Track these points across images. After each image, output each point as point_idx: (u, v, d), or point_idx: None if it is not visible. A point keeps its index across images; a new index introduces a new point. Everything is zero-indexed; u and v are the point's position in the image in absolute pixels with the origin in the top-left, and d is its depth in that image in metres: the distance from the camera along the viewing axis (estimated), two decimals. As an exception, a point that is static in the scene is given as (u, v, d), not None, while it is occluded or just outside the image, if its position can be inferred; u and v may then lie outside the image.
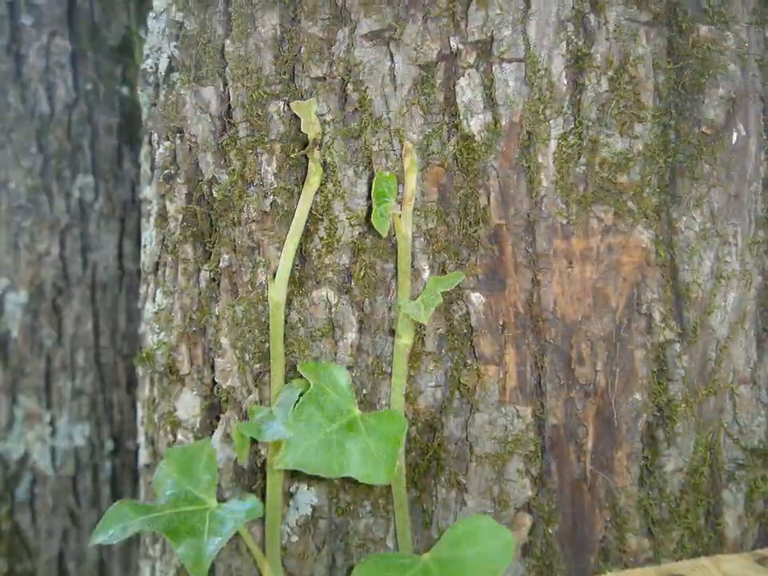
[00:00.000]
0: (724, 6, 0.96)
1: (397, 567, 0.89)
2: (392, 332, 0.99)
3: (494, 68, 0.95)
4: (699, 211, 0.97)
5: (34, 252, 2.09)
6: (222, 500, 0.99)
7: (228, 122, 1.03)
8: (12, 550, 2.11)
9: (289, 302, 1.01)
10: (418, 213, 0.97)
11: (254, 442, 1.04)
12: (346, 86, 0.97)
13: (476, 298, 0.97)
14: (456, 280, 0.93)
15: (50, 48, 2.08)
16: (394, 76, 0.96)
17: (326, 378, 0.91)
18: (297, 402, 0.90)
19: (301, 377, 0.99)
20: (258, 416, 0.94)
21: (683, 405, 0.97)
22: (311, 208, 0.98)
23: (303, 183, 0.97)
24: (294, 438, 0.86)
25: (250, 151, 1.02)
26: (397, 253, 0.96)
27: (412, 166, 0.94)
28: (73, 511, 2.16)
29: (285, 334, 1.00)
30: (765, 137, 0.99)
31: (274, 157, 1.01)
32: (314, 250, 1.00)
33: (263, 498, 1.02)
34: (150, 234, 1.19)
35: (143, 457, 1.23)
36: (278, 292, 0.98)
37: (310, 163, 0.95)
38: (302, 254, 1.01)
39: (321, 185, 0.98)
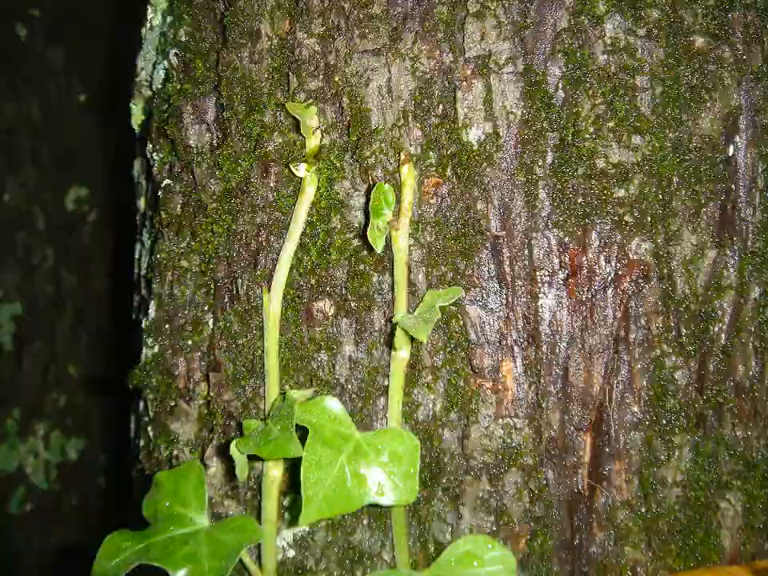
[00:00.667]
0: (721, 19, 0.97)
1: None
2: (389, 344, 0.99)
3: (491, 80, 0.95)
4: (696, 223, 0.97)
5: (28, 264, 2.09)
6: (216, 515, 0.98)
7: (223, 132, 1.03)
8: (4, 563, 2.10)
9: (285, 315, 1.00)
10: (416, 225, 0.97)
11: (249, 456, 1.04)
12: (342, 97, 0.97)
13: (473, 310, 0.97)
14: (454, 295, 0.93)
15: (45, 57, 2.09)
16: (391, 88, 0.96)
17: (321, 412, 0.90)
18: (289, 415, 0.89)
19: (299, 389, 0.99)
20: (252, 430, 0.93)
21: (681, 417, 0.97)
22: (307, 220, 0.98)
23: (299, 194, 0.97)
24: (311, 489, 0.85)
25: (246, 162, 1.01)
26: (393, 265, 0.96)
27: (409, 177, 0.94)
28: (66, 525, 2.15)
29: (280, 347, 1.00)
30: (761, 149, 0.99)
31: (270, 170, 1.01)
32: (309, 263, 1.00)
33: (258, 511, 1.02)
34: (144, 246, 1.19)
35: (137, 471, 1.22)
36: (273, 304, 0.97)
37: (305, 173, 0.95)
38: (298, 267, 1.00)
39: (317, 197, 0.98)
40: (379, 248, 0.93)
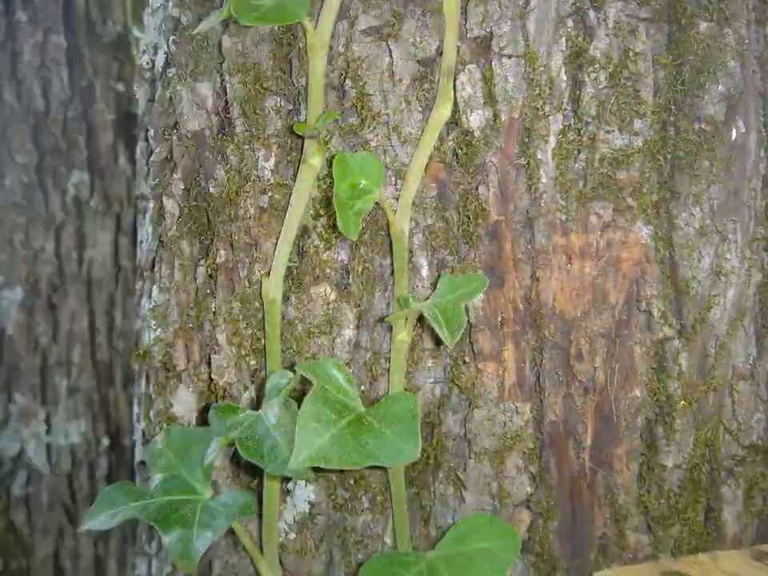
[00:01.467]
0: (724, 2, 0.96)
1: (402, 564, 0.89)
2: (390, 328, 0.99)
3: (493, 64, 0.94)
4: (699, 208, 0.97)
5: (30, 249, 2.09)
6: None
7: (225, 117, 1.03)
8: (7, 547, 2.10)
9: (286, 298, 1.01)
10: (417, 208, 0.97)
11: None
12: (344, 81, 0.97)
13: (475, 294, 0.97)
14: (479, 287, 0.90)
15: (45, 45, 2.08)
16: (393, 71, 0.96)
17: (325, 376, 0.88)
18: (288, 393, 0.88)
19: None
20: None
21: (682, 401, 0.97)
22: (308, 203, 0.98)
23: (301, 169, 0.97)
24: (306, 437, 0.82)
25: (247, 147, 1.01)
26: (393, 248, 0.96)
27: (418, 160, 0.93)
28: (68, 509, 2.16)
29: (282, 331, 1.00)
30: (764, 133, 0.99)
31: (271, 153, 1.01)
32: (311, 246, 1.00)
33: (260, 495, 1.02)
34: (146, 231, 1.19)
35: (139, 454, 1.23)
36: (273, 288, 0.97)
37: (307, 143, 0.94)
38: (299, 250, 1.00)
39: (318, 179, 0.98)
40: (354, 236, 0.88)
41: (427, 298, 0.92)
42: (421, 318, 0.98)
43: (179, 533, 0.86)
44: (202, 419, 1.08)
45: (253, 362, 1.03)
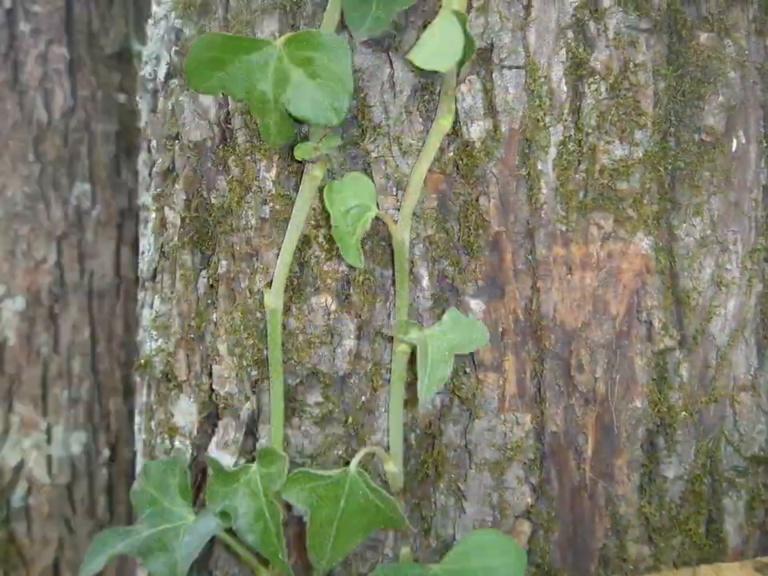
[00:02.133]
0: (724, 13, 0.96)
1: None
2: (391, 339, 0.99)
3: (493, 75, 0.95)
4: (699, 218, 0.97)
5: (31, 259, 2.09)
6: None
7: (227, 128, 1.03)
8: (7, 558, 2.10)
9: (287, 309, 1.01)
10: (417, 219, 0.97)
11: (252, 450, 1.04)
12: (345, 92, 0.97)
13: (475, 304, 0.97)
14: (479, 339, 0.92)
15: (47, 56, 2.08)
16: (394, 83, 0.96)
17: None
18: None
19: (301, 384, 1.00)
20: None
21: (683, 412, 0.97)
22: (309, 213, 0.98)
23: (303, 181, 0.97)
24: None
25: (249, 158, 1.01)
26: (394, 259, 0.96)
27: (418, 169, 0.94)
28: (68, 519, 2.15)
29: (283, 341, 1.00)
30: (765, 144, 0.99)
31: (272, 163, 1.01)
32: (312, 257, 1.00)
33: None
34: (148, 241, 1.19)
35: (140, 464, 1.23)
36: (274, 298, 0.97)
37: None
38: (300, 261, 1.00)
39: (319, 191, 0.98)
40: (362, 264, 0.94)
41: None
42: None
43: (162, 559, 0.87)
44: (204, 429, 1.08)
45: (254, 373, 1.03)
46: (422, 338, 0.91)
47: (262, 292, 1.01)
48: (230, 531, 0.93)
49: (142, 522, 0.94)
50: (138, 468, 1.24)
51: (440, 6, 0.88)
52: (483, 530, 0.95)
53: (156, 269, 1.14)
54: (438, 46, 0.76)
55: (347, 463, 0.93)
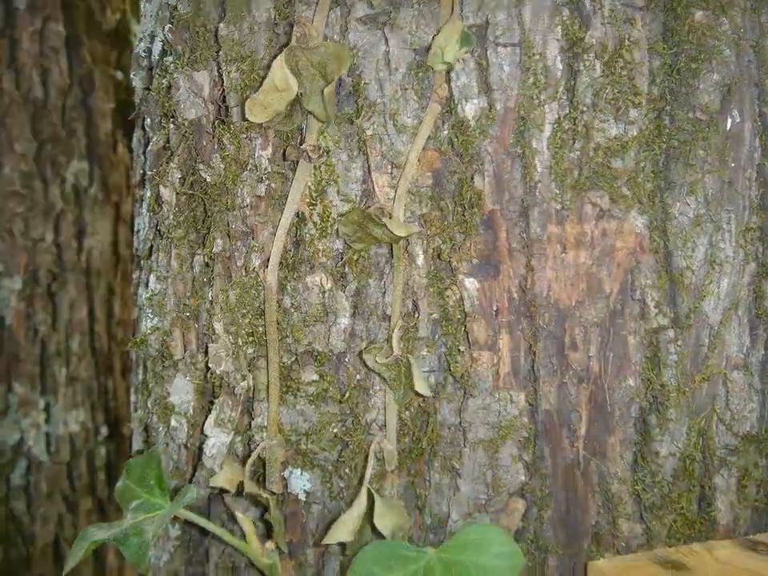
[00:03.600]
0: (720, -9, 0.96)
1: (399, 558, 0.89)
2: (386, 317, 0.99)
3: (488, 52, 0.94)
4: (693, 197, 0.97)
5: (29, 238, 2.09)
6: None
7: (222, 106, 1.03)
8: (7, 535, 2.11)
9: (282, 287, 1.01)
10: (412, 197, 0.97)
11: (248, 428, 1.05)
12: (341, 70, 0.97)
13: (470, 283, 0.97)
14: None
15: (44, 33, 2.07)
16: (389, 60, 0.96)
17: None
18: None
19: (297, 362, 1.00)
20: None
21: (676, 391, 0.97)
22: (305, 192, 0.98)
23: (296, 168, 0.97)
24: None
25: (244, 136, 1.01)
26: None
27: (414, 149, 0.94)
28: (68, 497, 2.16)
29: (278, 319, 1.00)
30: (759, 123, 0.98)
31: (268, 142, 1.01)
32: (307, 235, 1.00)
33: (263, 484, 1.03)
34: (143, 219, 1.19)
35: (136, 442, 1.23)
36: (270, 276, 0.98)
37: (306, 134, 0.95)
38: (295, 239, 1.00)
39: (315, 168, 0.98)
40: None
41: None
42: (416, 307, 0.98)
43: (135, 542, 0.89)
44: (200, 408, 1.09)
45: (250, 351, 1.04)
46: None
47: (258, 270, 1.01)
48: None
49: (125, 516, 0.95)
50: (135, 446, 1.24)
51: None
52: (485, 526, 0.95)
53: (151, 247, 1.14)
54: None
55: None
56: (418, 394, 0.97)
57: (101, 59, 2.14)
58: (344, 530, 0.96)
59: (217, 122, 1.03)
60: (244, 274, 1.02)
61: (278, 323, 1.01)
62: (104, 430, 2.21)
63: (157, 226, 1.12)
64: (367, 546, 0.90)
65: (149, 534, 0.89)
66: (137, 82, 1.20)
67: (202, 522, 0.98)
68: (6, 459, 2.11)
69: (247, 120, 1.00)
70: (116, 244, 2.19)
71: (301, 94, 0.94)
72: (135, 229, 1.23)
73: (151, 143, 1.13)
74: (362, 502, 0.96)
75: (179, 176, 1.08)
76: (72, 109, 2.11)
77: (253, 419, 1.04)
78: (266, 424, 1.03)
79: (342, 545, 1.02)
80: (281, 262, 1.00)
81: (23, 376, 2.12)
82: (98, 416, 2.21)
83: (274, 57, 0.96)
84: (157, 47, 1.12)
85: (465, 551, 0.89)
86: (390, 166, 0.97)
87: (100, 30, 2.14)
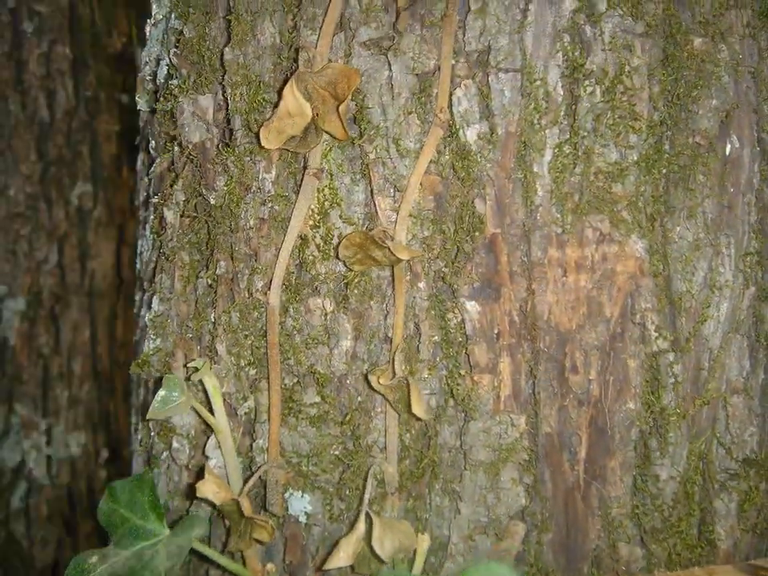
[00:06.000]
0: (718, 18, 0.97)
1: None
2: (387, 339, 0.99)
3: (490, 78, 0.95)
4: (693, 221, 0.97)
5: (33, 259, 2.09)
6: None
7: (226, 129, 1.04)
8: (7, 558, 2.10)
9: (285, 309, 1.01)
10: (414, 220, 0.97)
11: (249, 449, 1.05)
12: (344, 94, 0.98)
13: (471, 306, 0.97)
14: None
15: (50, 55, 2.09)
16: (392, 85, 0.97)
17: None
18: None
19: (298, 384, 1.00)
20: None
21: (676, 414, 0.97)
22: (308, 214, 0.99)
23: (303, 186, 0.98)
24: None
25: (248, 159, 1.02)
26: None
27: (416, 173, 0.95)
28: (68, 520, 2.16)
29: (280, 341, 1.01)
30: (758, 148, 0.99)
31: (272, 164, 1.01)
32: (310, 257, 1.00)
33: (264, 505, 1.03)
34: (146, 241, 1.20)
35: (137, 464, 1.23)
36: (273, 298, 0.98)
37: (309, 156, 0.95)
38: (298, 261, 1.01)
39: (318, 191, 0.99)
40: None
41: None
42: (417, 329, 0.98)
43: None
44: (201, 429, 1.09)
45: (252, 372, 1.04)
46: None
47: (261, 292, 1.01)
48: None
49: (117, 542, 0.94)
50: (135, 468, 1.24)
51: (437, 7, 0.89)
52: (496, 566, 0.94)
53: (155, 269, 1.15)
54: None
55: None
56: (417, 418, 0.98)
57: (106, 82, 2.15)
58: (343, 555, 0.96)
59: (221, 145, 1.04)
60: (247, 295, 1.03)
61: (280, 345, 1.01)
62: (105, 453, 2.21)
63: (160, 247, 1.12)
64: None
65: (162, 567, 0.88)
66: (142, 104, 1.21)
67: (205, 551, 0.97)
68: (7, 481, 2.10)
69: (252, 143, 1.00)
70: (119, 266, 2.20)
71: (316, 115, 0.94)
72: (138, 251, 1.24)
73: (155, 166, 1.14)
74: (359, 526, 0.96)
75: (183, 198, 1.08)
76: (77, 131, 2.12)
77: (254, 441, 1.04)
78: (267, 446, 1.03)
79: (344, 567, 1.02)
80: (283, 284, 1.00)
81: (25, 397, 2.12)
82: (99, 439, 2.20)
83: (284, 82, 0.97)
84: (162, 71, 1.13)
85: None
86: (392, 189, 0.98)
87: (106, 53, 2.16)
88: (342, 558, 0.96)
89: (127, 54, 2.19)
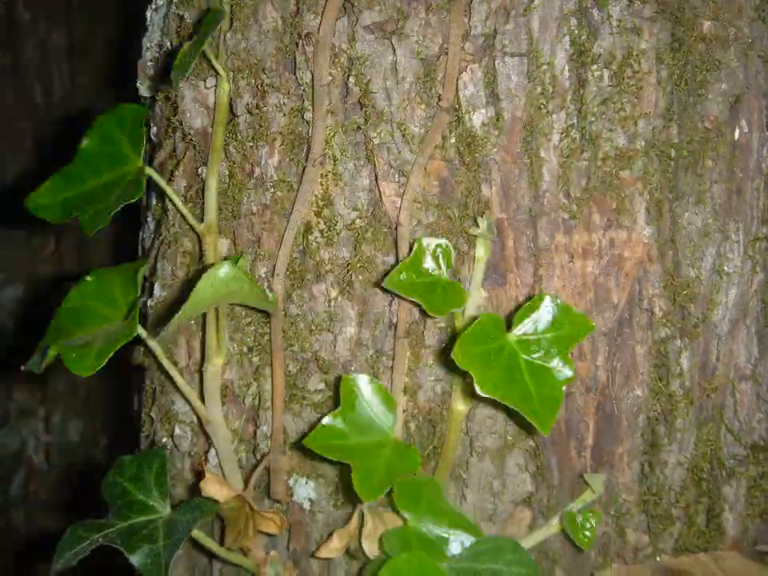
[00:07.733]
0: (727, 1, 0.96)
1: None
2: (392, 325, 0.99)
3: (496, 62, 0.94)
4: (701, 207, 0.97)
5: (31, 246, 2.09)
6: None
7: (228, 114, 1.03)
8: (5, 546, 2.10)
9: (288, 296, 1.01)
10: (419, 206, 0.97)
11: (252, 436, 1.04)
12: (348, 78, 0.97)
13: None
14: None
15: (47, 42, 2.08)
16: (396, 69, 0.96)
17: None
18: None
19: (302, 370, 1.00)
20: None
21: (684, 401, 0.97)
22: (312, 200, 0.98)
23: (303, 175, 0.97)
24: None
25: (251, 144, 1.01)
26: (397, 246, 0.96)
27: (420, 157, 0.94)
28: (67, 507, 2.16)
29: (284, 328, 1.00)
30: (767, 133, 0.98)
31: (274, 150, 1.01)
32: (313, 243, 1.00)
33: (268, 493, 1.03)
34: (148, 227, 1.19)
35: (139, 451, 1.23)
36: (276, 284, 0.98)
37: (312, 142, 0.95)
38: (302, 248, 1.00)
39: (321, 177, 0.98)
40: None
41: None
42: (423, 313, 0.98)
43: (146, 550, 0.87)
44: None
45: (255, 359, 1.03)
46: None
47: (264, 278, 1.01)
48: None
49: (114, 513, 0.93)
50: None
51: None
52: (503, 538, 0.94)
53: (156, 255, 1.14)
54: None
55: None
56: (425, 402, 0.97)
57: (103, 68, 2.14)
58: (335, 546, 0.97)
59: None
60: (250, 282, 1.02)
61: (284, 331, 1.01)
62: (103, 440, 2.21)
63: (162, 233, 1.12)
64: (393, 558, 0.89)
65: (162, 543, 0.87)
66: (143, 91, 1.20)
67: (206, 541, 0.97)
68: (6, 468, 2.10)
69: (253, 129, 1.00)
70: (119, 252, 2.19)
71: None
72: (140, 237, 1.23)
73: (157, 152, 1.13)
74: (353, 521, 0.97)
75: (185, 184, 1.08)
76: (75, 119, 2.11)
77: (258, 427, 1.04)
78: (270, 432, 1.02)
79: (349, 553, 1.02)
80: (287, 271, 1.00)
81: (23, 385, 2.11)
82: (98, 426, 2.20)
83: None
84: (163, 56, 1.12)
85: (481, 558, 0.89)
86: (397, 175, 0.97)
87: (102, 39, 2.15)
88: (334, 549, 0.96)
89: (126, 41, 2.18)
